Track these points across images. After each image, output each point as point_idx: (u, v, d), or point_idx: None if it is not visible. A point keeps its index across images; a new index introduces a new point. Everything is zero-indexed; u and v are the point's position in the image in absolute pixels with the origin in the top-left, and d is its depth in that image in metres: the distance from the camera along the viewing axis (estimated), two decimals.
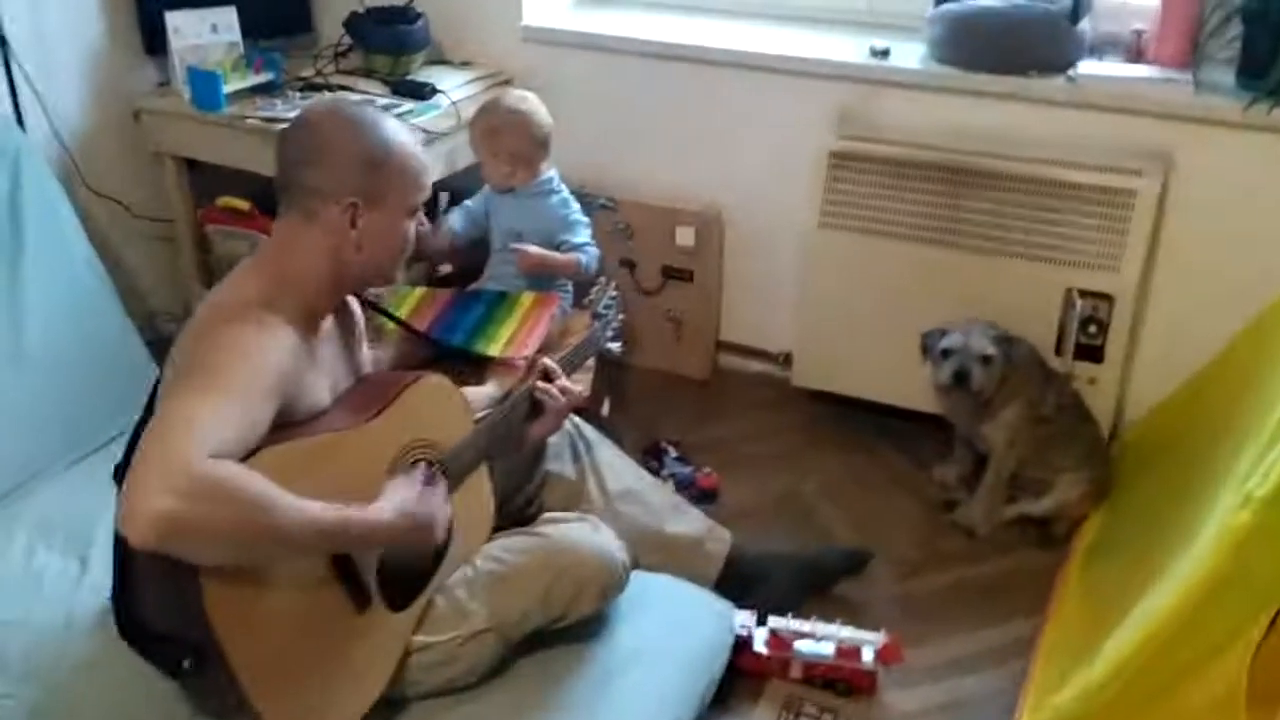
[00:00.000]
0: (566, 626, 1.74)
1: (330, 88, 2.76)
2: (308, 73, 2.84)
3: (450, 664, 1.63)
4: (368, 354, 1.86)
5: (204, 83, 2.60)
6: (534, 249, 2.38)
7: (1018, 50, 2.42)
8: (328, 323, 1.68)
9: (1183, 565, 1.79)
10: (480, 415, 1.78)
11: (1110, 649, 1.79)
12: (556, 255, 2.42)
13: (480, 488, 1.77)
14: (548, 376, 1.85)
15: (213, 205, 2.77)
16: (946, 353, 2.30)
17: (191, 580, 1.32)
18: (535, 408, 1.83)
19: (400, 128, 1.63)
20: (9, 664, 1.72)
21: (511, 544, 1.73)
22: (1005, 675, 2.00)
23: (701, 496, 2.40)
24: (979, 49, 2.46)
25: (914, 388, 2.52)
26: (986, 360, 2.28)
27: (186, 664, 1.38)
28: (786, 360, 2.83)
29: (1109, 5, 2.55)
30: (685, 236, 2.83)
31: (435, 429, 1.68)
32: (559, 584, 1.67)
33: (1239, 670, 1.74)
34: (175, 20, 2.65)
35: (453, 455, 1.68)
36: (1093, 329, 2.39)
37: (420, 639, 1.62)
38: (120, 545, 1.38)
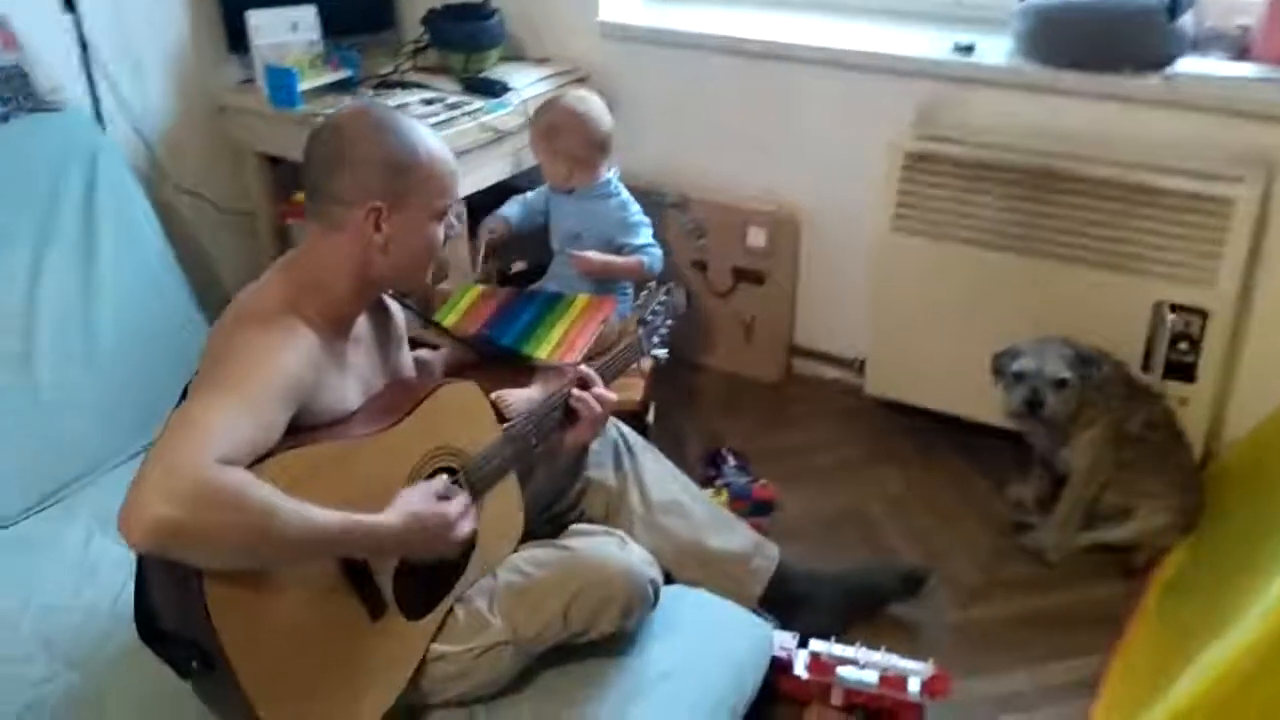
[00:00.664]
0: (593, 643, 1.71)
1: (405, 85, 2.77)
2: (386, 69, 2.86)
3: (467, 676, 1.60)
4: (408, 356, 1.85)
5: (280, 80, 2.64)
6: (594, 255, 2.34)
7: (1110, 46, 2.27)
8: (361, 326, 1.67)
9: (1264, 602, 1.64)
10: (511, 423, 1.76)
11: (1173, 700, 1.66)
12: (617, 260, 2.37)
13: (508, 496, 1.75)
14: (585, 384, 1.81)
15: (292, 199, 2.82)
16: (1019, 376, 2.17)
17: (195, 583, 1.32)
18: (570, 415, 1.79)
19: (427, 133, 1.61)
20: (55, 646, 1.77)
21: (535, 556, 1.69)
22: (1064, 716, 1.88)
23: (757, 508, 2.32)
24: (1068, 45, 2.31)
25: (990, 401, 2.38)
26: (1061, 384, 2.14)
27: (194, 665, 1.39)
28: (860, 367, 2.73)
29: (1215, 0, 2.37)
30: (757, 237, 2.76)
31: (459, 436, 1.66)
32: (580, 600, 1.62)
33: None
34: (256, 19, 2.70)
35: (476, 463, 1.66)
36: (1183, 346, 2.23)
37: (437, 648, 1.60)
38: None
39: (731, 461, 2.46)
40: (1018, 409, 2.17)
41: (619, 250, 2.38)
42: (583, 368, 1.83)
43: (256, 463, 1.36)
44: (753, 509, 2.31)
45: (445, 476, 1.58)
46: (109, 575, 1.92)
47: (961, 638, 2.08)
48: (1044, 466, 2.37)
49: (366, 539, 1.43)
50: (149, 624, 1.46)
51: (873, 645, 1.92)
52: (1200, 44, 2.35)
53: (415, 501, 1.50)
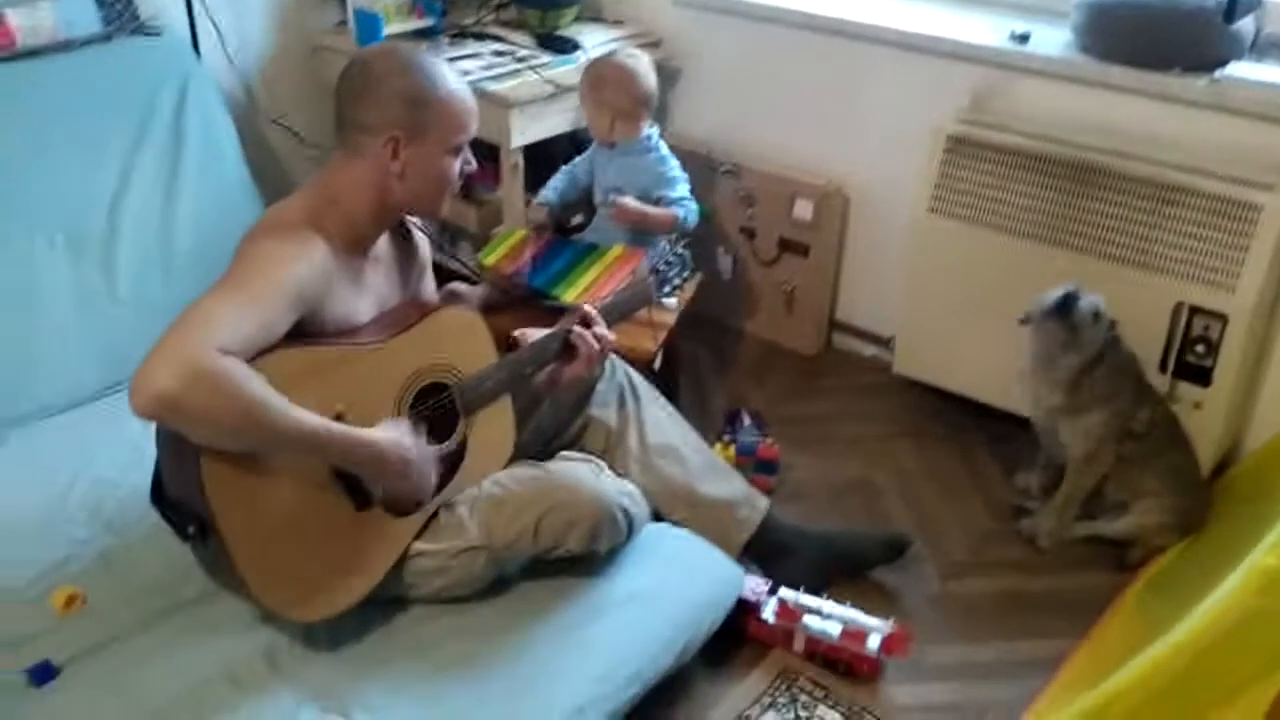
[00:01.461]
0: (573, 562, 1.84)
1: (481, 36, 2.92)
2: (468, 21, 3.01)
3: (442, 573, 1.75)
4: (430, 283, 2.01)
5: (367, 23, 2.81)
6: (632, 202, 2.45)
7: (1161, 45, 2.27)
8: (382, 248, 1.83)
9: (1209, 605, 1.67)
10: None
11: (1113, 679, 1.70)
12: (653, 210, 2.48)
13: (502, 418, 1.88)
14: (587, 322, 1.92)
15: None
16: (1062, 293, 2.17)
17: (194, 458, 1.50)
18: (569, 350, 1.91)
19: (449, 73, 1.74)
20: (99, 513, 1.99)
21: (516, 474, 1.83)
22: (1019, 689, 1.94)
23: (760, 466, 2.41)
24: (1120, 40, 2.31)
25: (1011, 389, 2.42)
26: (1096, 316, 2.15)
27: (192, 530, 1.57)
28: (891, 345, 2.78)
29: (1277, 7, 2.34)
30: (803, 209, 2.82)
31: (456, 356, 1.80)
32: (551, 516, 1.75)
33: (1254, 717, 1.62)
34: None
35: (470, 383, 1.80)
36: (1201, 349, 2.22)
37: (419, 546, 1.75)
38: None
39: (747, 421, 2.55)
40: (1049, 304, 2.16)
41: (656, 202, 2.49)
42: (586, 306, 1.94)
43: (259, 356, 1.53)
44: (756, 466, 2.40)
45: (425, 429, 1.72)
46: (152, 460, 2.12)
47: (938, 608, 2.14)
48: (1050, 455, 2.39)
49: (342, 446, 1.57)
50: (160, 491, 1.65)
51: (840, 600, 2.00)
52: (1260, 49, 2.33)
53: (394, 433, 1.64)
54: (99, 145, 2.38)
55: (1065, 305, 2.14)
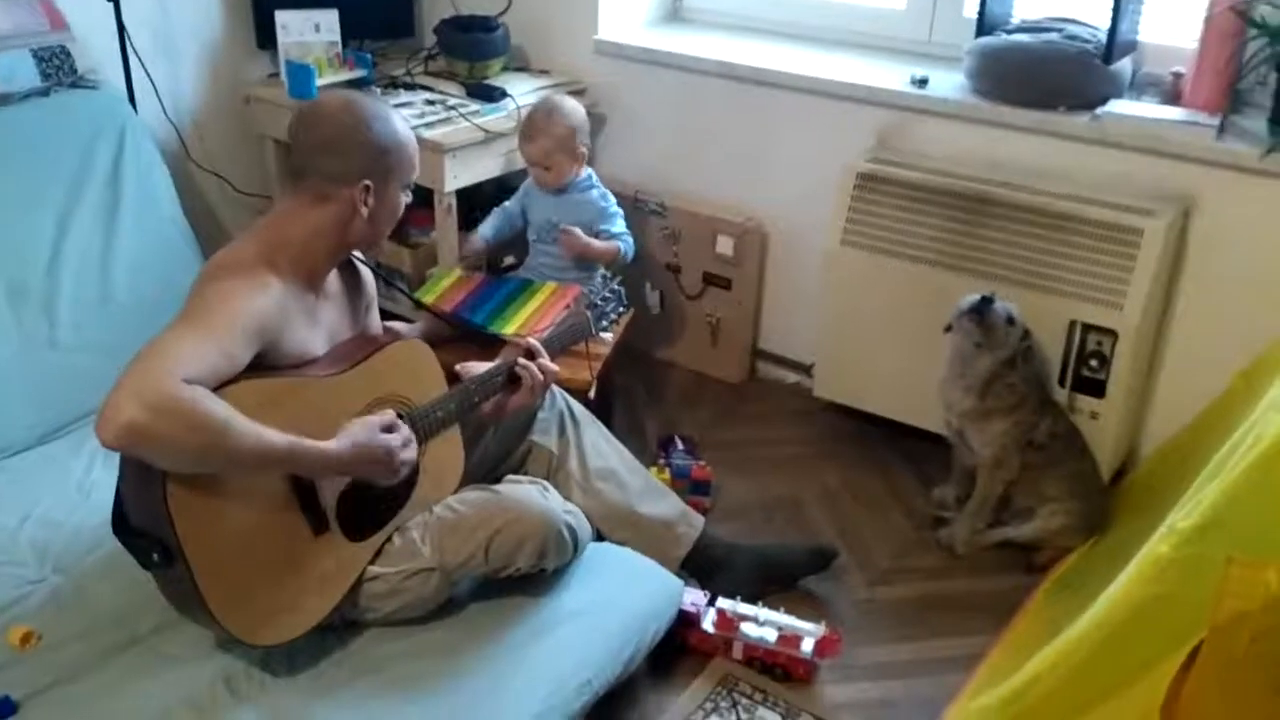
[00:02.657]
0: (522, 581, 1.92)
1: (412, 86, 3.03)
2: (398, 72, 3.12)
3: (397, 595, 1.82)
4: (377, 319, 2.09)
5: (299, 75, 2.90)
6: (579, 232, 2.58)
7: (1046, 85, 2.47)
8: (333, 285, 1.91)
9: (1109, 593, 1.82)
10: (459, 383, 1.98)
11: (1027, 667, 1.84)
12: (597, 243, 2.62)
13: (452, 446, 1.97)
14: (531, 355, 2.03)
15: None
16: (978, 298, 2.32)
17: (159, 484, 1.56)
18: (514, 381, 2.02)
19: (399, 119, 1.86)
20: (47, 554, 2.01)
21: (467, 497, 1.92)
22: (944, 684, 2.06)
23: (695, 487, 2.52)
24: (1009, 82, 2.52)
25: (925, 407, 2.58)
26: (1010, 320, 2.31)
27: (156, 557, 1.62)
28: (812, 372, 2.93)
29: (1155, 48, 2.57)
30: (725, 245, 2.97)
31: (408, 387, 1.89)
32: (501, 536, 1.84)
33: (1151, 703, 1.76)
34: (284, 18, 2.96)
35: (422, 411, 1.88)
36: (1095, 363, 2.41)
37: (373, 569, 1.82)
38: None
39: (680, 446, 2.67)
40: (967, 306, 2.32)
41: (596, 236, 2.63)
42: (530, 339, 2.05)
43: (222, 387, 1.60)
44: (691, 488, 2.51)
45: (391, 411, 1.81)
46: (101, 498, 2.14)
47: (865, 612, 2.27)
48: (962, 469, 2.55)
49: (310, 460, 1.65)
50: (122, 521, 1.70)
51: (774, 608, 2.12)
52: (1137, 88, 2.55)
53: (358, 433, 1.72)
54: (38, 194, 2.43)
55: (982, 306, 2.31)
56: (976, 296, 2.32)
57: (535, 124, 2.61)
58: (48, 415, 2.34)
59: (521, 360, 2.01)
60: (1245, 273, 2.37)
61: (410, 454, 1.80)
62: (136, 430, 1.46)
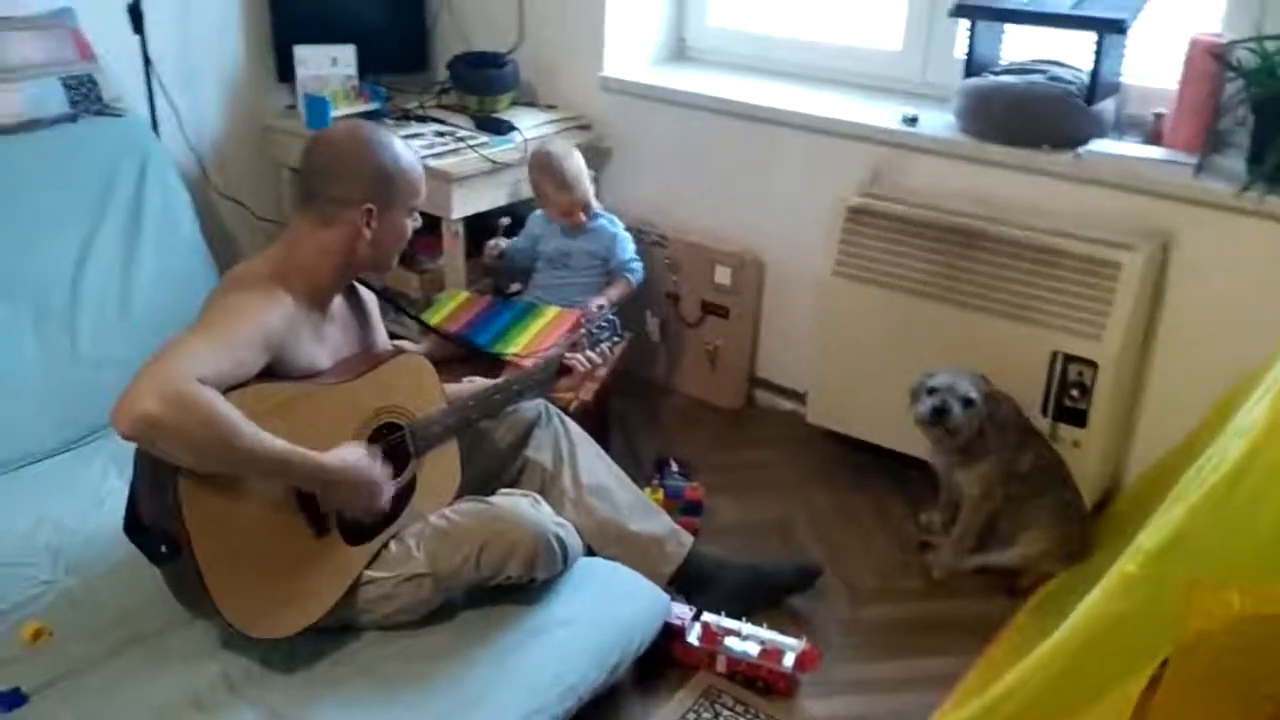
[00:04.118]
0: (512, 590, 2.00)
1: (424, 118, 3.15)
2: (412, 105, 3.24)
3: (391, 599, 1.91)
4: (382, 335, 2.19)
5: (316, 107, 3.03)
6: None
7: (1029, 125, 2.56)
8: (339, 307, 2.01)
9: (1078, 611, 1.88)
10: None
11: (998, 683, 1.90)
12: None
13: (450, 458, 2.07)
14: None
15: None
16: (932, 390, 2.40)
17: (170, 477, 1.65)
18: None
19: (405, 145, 1.96)
20: (60, 557, 2.11)
21: (461, 507, 2.00)
22: (922, 702, 2.11)
23: (687, 508, 2.60)
24: (994, 121, 2.61)
25: (914, 434, 2.65)
26: (968, 403, 2.37)
27: (164, 549, 1.71)
28: (806, 399, 3.01)
29: (1138, 89, 2.66)
30: (723, 275, 3.07)
31: (409, 400, 1.98)
32: (492, 545, 1.92)
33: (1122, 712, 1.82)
34: (302, 53, 3.10)
35: (422, 424, 1.98)
36: (1076, 393, 2.48)
37: (369, 574, 1.91)
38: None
39: (675, 468, 2.75)
40: (925, 417, 2.40)
41: (605, 261, 2.78)
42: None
43: (231, 390, 1.69)
44: (683, 508, 2.59)
45: (379, 449, 1.89)
46: (114, 505, 2.22)
47: (849, 631, 2.33)
48: (949, 495, 2.61)
49: (305, 470, 1.74)
50: (133, 521, 1.79)
51: (758, 624, 2.19)
52: (1120, 127, 2.64)
53: (353, 454, 1.81)
54: (64, 216, 2.55)
55: (937, 419, 2.38)
56: (928, 407, 2.39)
57: (568, 177, 2.78)
58: (67, 427, 2.44)
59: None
60: (1223, 306, 2.44)
61: (388, 494, 1.89)
62: (151, 421, 1.56)
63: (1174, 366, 2.55)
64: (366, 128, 1.99)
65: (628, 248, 2.82)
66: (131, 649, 1.89)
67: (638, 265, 2.81)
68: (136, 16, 2.73)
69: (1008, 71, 2.67)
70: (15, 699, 1.75)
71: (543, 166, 2.80)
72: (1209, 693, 1.78)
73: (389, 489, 1.89)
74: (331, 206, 1.89)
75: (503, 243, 2.89)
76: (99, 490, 2.31)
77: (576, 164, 2.82)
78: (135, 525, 1.78)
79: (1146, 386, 2.61)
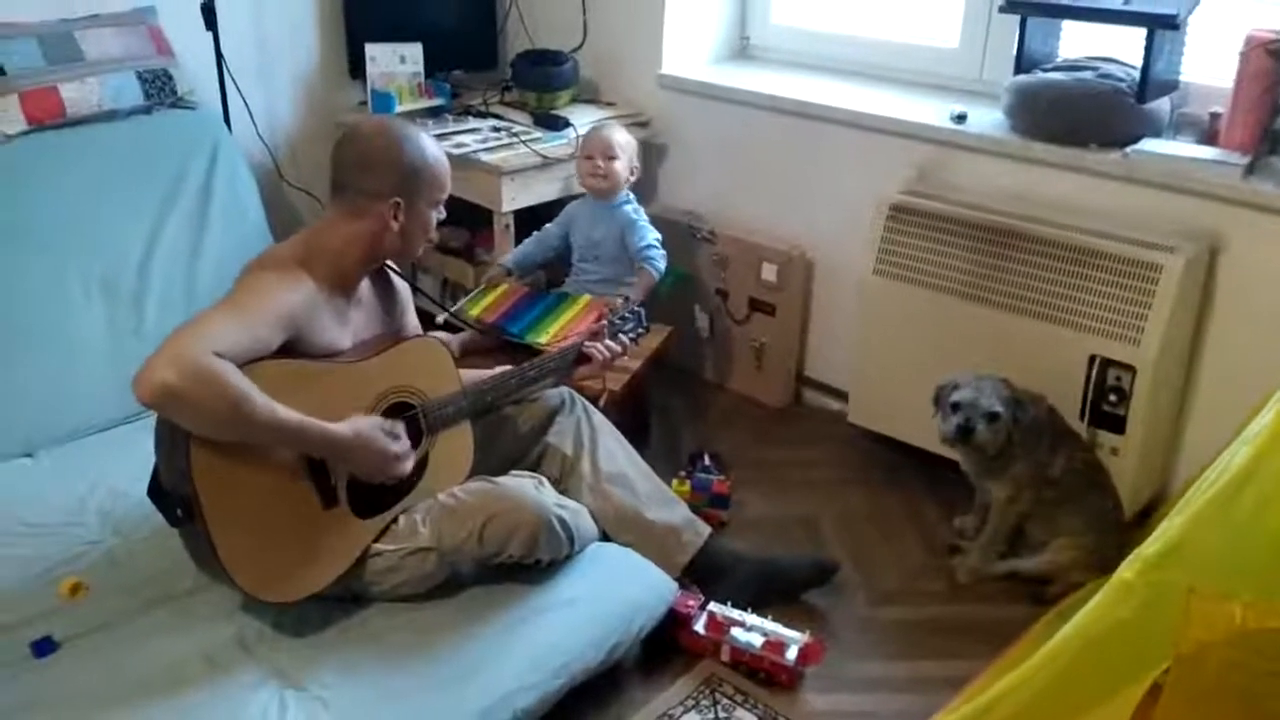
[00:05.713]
0: (520, 570, 2.06)
1: (484, 114, 3.24)
2: (475, 101, 3.34)
3: (396, 571, 1.98)
4: (412, 320, 2.27)
5: (382, 102, 3.15)
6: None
7: (1078, 123, 2.50)
8: (365, 291, 2.10)
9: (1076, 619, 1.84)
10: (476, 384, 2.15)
11: (995, 687, 1.87)
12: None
13: (463, 440, 2.13)
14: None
15: None
16: (956, 406, 2.38)
17: (184, 446, 1.76)
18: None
19: (431, 141, 2.04)
20: (108, 518, 2.25)
21: (468, 486, 2.07)
22: (926, 703, 2.07)
23: (714, 501, 2.62)
24: (1042, 119, 2.55)
25: None
26: (993, 418, 2.33)
27: (180, 513, 1.82)
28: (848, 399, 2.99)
29: (1198, 87, 2.57)
30: (769, 272, 3.07)
31: (423, 381, 2.06)
32: (494, 523, 1.98)
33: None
34: (372, 51, 3.22)
35: (434, 405, 2.05)
36: (1114, 398, 2.41)
37: (377, 547, 1.99)
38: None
39: (707, 461, 2.77)
40: (951, 435, 2.39)
41: (625, 247, 2.85)
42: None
43: (249, 365, 1.78)
44: (710, 500, 2.61)
45: (402, 424, 1.97)
46: None
47: (863, 630, 2.31)
48: (981, 499, 2.57)
49: (317, 439, 1.83)
50: (155, 485, 1.91)
51: (768, 616, 2.19)
52: (1175, 126, 2.55)
53: (364, 425, 1.89)
54: (136, 202, 2.71)
55: (962, 437, 2.35)
56: (953, 426, 2.35)
57: (605, 129, 2.88)
58: (130, 400, 2.55)
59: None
60: (1274, 312, 2.34)
61: (405, 466, 1.96)
62: (168, 390, 1.66)
63: (1223, 373, 2.46)
64: (396, 123, 2.08)
65: (646, 235, 2.84)
66: (160, 607, 2.00)
67: (656, 254, 2.83)
68: (209, 14, 2.88)
69: (1058, 69, 2.61)
70: (46, 645, 1.88)
71: (593, 135, 2.89)
72: (1211, 707, 1.72)
73: (409, 456, 1.96)
74: (362, 199, 1.97)
75: (502, 263, 2.94)
76: (153, 459, 2.45)
77: (625, 135, 2.88)
78: (157, 490, 1.90)
79: (1194, 393, 2.51)
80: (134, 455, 2.43)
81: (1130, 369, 2.37)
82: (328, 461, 1.91)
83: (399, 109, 3.15)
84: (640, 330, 2.42)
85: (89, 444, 2.50)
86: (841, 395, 3.13)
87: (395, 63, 3.26)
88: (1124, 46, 2.61)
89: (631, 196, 2.90)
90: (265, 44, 3.19)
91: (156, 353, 1.70)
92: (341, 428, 1.86)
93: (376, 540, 1.99)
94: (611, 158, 2.83)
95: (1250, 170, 2.32)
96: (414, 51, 3.26)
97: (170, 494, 1.84)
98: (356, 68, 3.32)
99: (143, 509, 2.25)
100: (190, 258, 2.77)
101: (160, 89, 2.77)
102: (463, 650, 1.93)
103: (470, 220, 3.18)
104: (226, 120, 2.98)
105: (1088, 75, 2.53)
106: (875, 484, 2.82)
